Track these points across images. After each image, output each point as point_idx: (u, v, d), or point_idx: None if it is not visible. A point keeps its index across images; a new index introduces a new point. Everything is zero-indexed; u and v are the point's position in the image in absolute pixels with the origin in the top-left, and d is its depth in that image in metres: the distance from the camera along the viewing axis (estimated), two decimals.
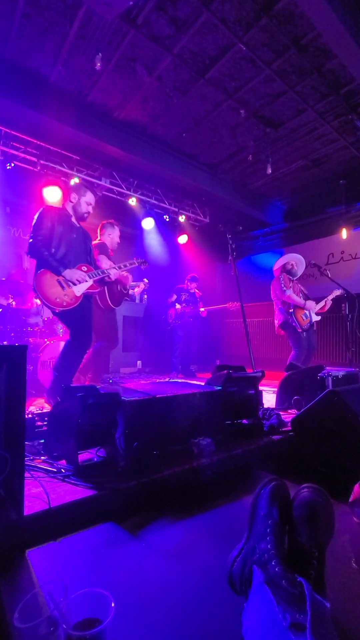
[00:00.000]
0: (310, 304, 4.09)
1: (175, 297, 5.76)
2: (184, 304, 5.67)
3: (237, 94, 4.15)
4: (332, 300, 4.31)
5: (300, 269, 4.42)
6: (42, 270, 2.62)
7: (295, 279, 4.35)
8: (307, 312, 4.13)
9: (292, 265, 4.42)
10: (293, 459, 1.89)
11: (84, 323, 2.72)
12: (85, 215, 2.90)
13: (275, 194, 6.70)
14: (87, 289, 2.72)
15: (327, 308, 4.31)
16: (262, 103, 4.29)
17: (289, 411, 2.57)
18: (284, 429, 2.07)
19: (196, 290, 5.85)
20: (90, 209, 2.92)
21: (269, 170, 5.11)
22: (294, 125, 4.67)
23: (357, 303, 4.35)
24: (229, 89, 4.09)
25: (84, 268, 2.77)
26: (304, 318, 4.09)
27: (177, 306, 5.66)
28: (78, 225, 2.88)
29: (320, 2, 2.78)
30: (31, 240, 2.63)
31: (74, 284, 2.64)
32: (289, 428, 2.02)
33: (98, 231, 3.84)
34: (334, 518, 0.93)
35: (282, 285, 4.14)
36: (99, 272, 2.82)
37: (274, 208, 7.08)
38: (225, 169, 5.83)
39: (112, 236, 3.79)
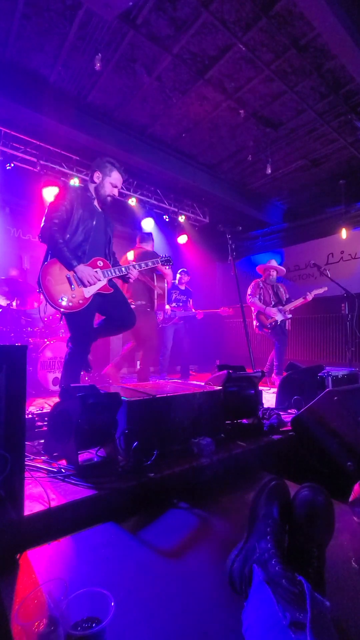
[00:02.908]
0: (269, 310, 4.56)
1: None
2: (173, 304, 5.45)
3: (236, 94, 4.15)
4: (314, 296, 4.53)
5: (275, 277, 4.85)
6: (51, 260, 2.28)
7: (272, 283, 4.78)
8: (269, 313, 4.56)
9: (275, 272, 4.79)
10: (293, 458, 1.89)
11: (87, 328, 2.42)
12: (109, 198, 2.51)
13: (275, 194, 6.70)
14: (100, 289, 2.38)
15: (308, 300, 4.54)
16: (262, 103, 4.30)
17: (289, 411, 2.57)
18: (284, 429, 2.07)
19: (186, 285, 5.62)
20: (115, 192, 2.53)
21: (269, 171, 5.11)
22: (294, 125, 4.67)
23: (357, 303, 4.36)
24: (229, 90, 4.09)
25: (100, 263, 2.41)
26: (267, 318, 4.56)
27: (167, 307, 5.38)
28: (100, 210, 2.51)
29: (319, 2, 2.78)
30: (44, 222, 2.28)
31: (84, 286, 2.30)
32: (289, 428, 2.02)
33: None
34: (334, 517, 0.93)
35: (249, 292, 4.75)
36: (116, 271, 2.45)
37: (274, 208, 7.08)
38: (225, 169, 5.84)
39: (152, 245, 4.06)
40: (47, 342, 3.83)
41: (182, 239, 6.93)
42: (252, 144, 5.07)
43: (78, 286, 2.29)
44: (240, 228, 3.58)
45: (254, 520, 0.94)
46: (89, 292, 2.33)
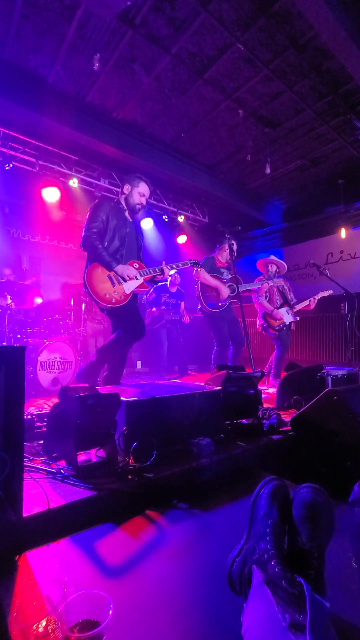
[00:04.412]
0: (277, 313, 4.30)
1: (154, 296, 5.45)
2: (163, 307, 5.37)
3: (235, 94, 4.15)
4: (318, 299, 4.34)
5: (275, 272, 4.59)
6: (93, 264, 2.56)
7: (275, 279, 4.52)
8: (277, 316, 4.32)
9: (275, 267, 4.52)
10: (293, 458, 1.89)
11: (132, 321, 2.68)
12: (138, 207, 2.81)
13: (274, 194, 6.70)
14: (137, 287, 2.65)
15: (312, 307, 4.35)
16: (261, 103, 4.29)
17: (289, 411, 2.57)
18: (283, 429, 2.07)
19: (179, 287, 5.55)
20: (143, 200, 2.83)
21: (268, 170, 5.11)
22: (293, 125, 4.67)
23: (356, 303, 4.36)
24: (228, 89, 4.09)
25: (136, 265, 2.69)
26: (275, 320, 4.32)
27: (154, 309, 5.35)
28: (131, 219, 2.82)
29: (318, 2, 2.78)
30: (85, 232, 2.58)
31: (125, 280, 2.58)
32: (289, 428, 2.02)
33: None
34: (334, 518, 0.93)
35: (258, 292, 4.44)
36: (150, 271, 2.73)
37: (273, 208, 7.08)
38: (224, 169, 5.83)
39: (227, 252, 4.06)
40: (47, 343, 3.82)
41: (182, 239, 6.93)
42: (251, 143, 5.07)
43: (119, 284, 2.58)
44: (240, 228, 3.58)
45: (253, 520, 0.94)
46: (129, 288, 2.61)
